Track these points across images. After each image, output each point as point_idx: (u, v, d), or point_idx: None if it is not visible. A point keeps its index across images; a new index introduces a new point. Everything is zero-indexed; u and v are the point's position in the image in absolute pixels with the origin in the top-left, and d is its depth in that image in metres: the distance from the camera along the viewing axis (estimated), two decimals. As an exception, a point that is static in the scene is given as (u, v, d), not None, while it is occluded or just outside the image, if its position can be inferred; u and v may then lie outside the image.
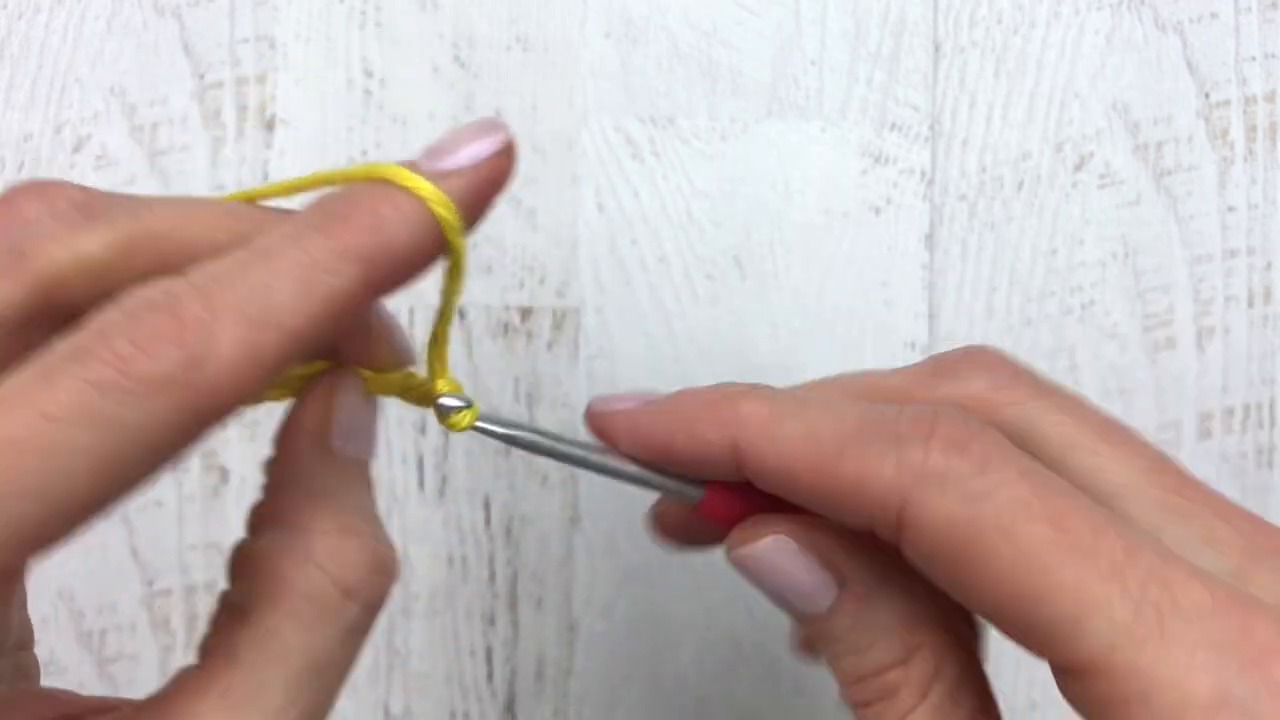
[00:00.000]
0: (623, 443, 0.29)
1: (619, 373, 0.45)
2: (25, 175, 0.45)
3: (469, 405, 0.29)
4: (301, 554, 0.25)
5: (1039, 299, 0.45)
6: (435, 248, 0.25)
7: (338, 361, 0.28)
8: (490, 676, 0.46)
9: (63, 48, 0.45)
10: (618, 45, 0.46)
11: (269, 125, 0.45)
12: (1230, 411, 0.45)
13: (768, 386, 0.28)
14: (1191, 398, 0.45)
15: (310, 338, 0.23)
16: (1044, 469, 0.25)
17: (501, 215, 0.45)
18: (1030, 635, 0.24)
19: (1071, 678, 0.24)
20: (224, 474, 0.45)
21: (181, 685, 0.24)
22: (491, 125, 0.26)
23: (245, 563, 0.25)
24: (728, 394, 0.28)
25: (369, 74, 0.45)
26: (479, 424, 0.29)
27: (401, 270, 0.25)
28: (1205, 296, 0.45)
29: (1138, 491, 0.27)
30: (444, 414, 0.29)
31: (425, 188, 0.25)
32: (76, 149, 0.45)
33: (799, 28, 0.46)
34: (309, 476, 0.26)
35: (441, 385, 0.29)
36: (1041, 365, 0.46)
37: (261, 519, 0.26)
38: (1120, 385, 0.45)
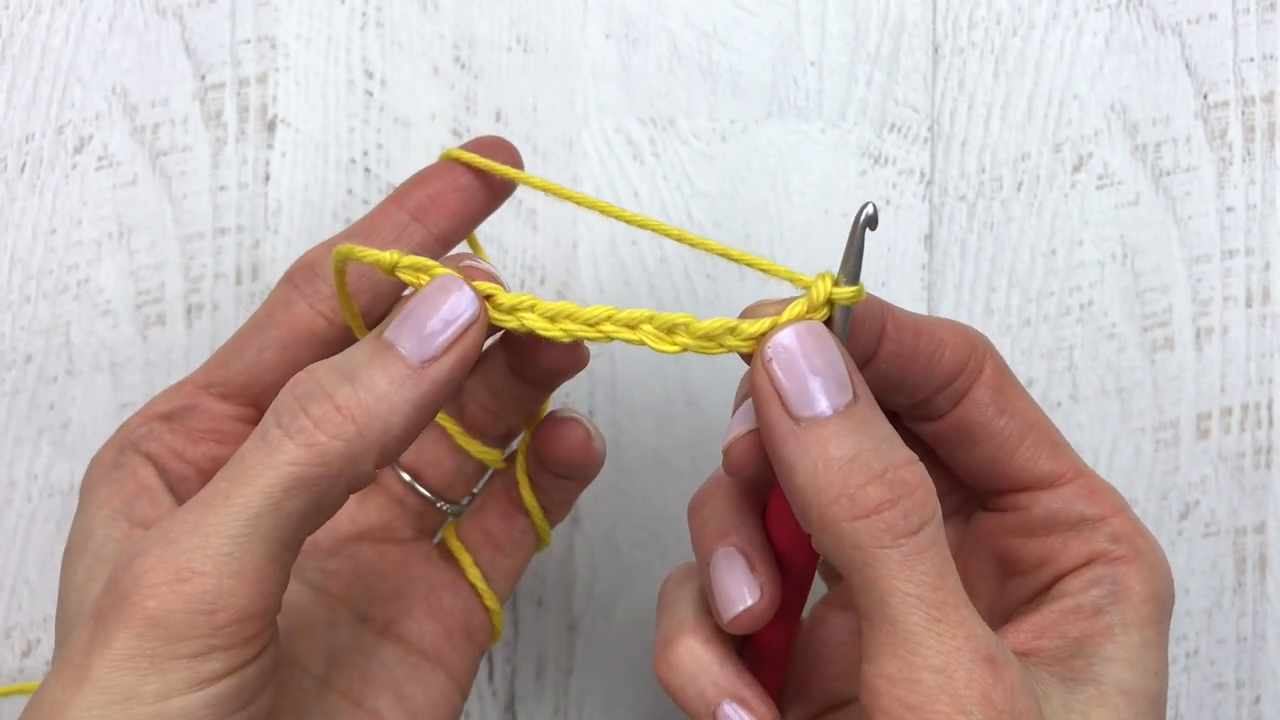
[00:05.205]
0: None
1: (619, 373, 0.45)
2: (27, 175, 0.45)
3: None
4: None
5: (1038, 299, 0.45)
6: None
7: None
8: (490, 676, 0.46)
9: (64, 48, 0.45)
10: (618, 46, 0.46)
11: (270, 126, 0.45)
12: (1228, 411, 0.45)
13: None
14: (1190, 398, 0.45)
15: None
16: None
17: (502, 215, 0.45)
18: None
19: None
20: None
21: None
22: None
23: None
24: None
25: (370, 75, 0.46)
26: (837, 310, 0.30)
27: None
28: (1204, 296, 0.45)
29: None
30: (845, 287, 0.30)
31: None
32: (78, 149, 0.45)
33: (799, 28, 0.46)
34: None
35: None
36: (1041, 365, 0.46)
37: None
38: (1119, 385, 0.45)
